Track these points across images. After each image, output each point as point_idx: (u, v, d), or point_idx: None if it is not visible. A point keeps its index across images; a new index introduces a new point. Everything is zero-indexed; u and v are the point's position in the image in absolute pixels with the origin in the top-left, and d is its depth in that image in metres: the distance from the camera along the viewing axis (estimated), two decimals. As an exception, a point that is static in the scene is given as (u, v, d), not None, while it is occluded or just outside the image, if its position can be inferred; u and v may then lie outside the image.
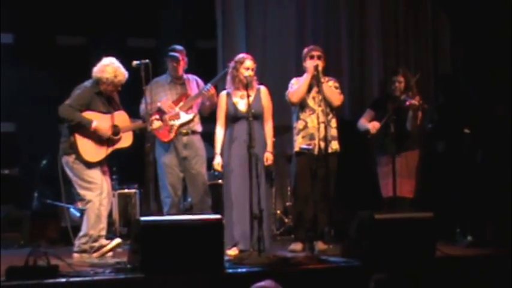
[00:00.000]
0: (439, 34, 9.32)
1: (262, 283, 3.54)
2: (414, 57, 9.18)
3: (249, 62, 6.43)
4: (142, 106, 6.67)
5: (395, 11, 9.19)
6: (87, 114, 6.22)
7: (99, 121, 6.23)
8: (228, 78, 6.54)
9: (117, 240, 6.30)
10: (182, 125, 6.79)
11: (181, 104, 6.83)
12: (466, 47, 9.12)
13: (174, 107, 6.80)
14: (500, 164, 7.43)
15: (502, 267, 5.84)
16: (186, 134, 6.79)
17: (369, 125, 7.04)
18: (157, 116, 6.45)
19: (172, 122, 6.79)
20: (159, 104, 6.82)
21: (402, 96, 6.95)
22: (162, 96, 6.88)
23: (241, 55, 6.60)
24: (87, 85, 6.32)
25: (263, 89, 6.55)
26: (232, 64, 6.49)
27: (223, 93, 6.54)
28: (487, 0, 8.59)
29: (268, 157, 6.44)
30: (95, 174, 6.26)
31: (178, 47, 7.00)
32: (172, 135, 6.80)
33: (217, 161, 6.41)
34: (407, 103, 6.85)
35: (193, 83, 6.97)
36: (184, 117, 6.81)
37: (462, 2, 8.97)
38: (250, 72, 6.37)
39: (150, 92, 6.76)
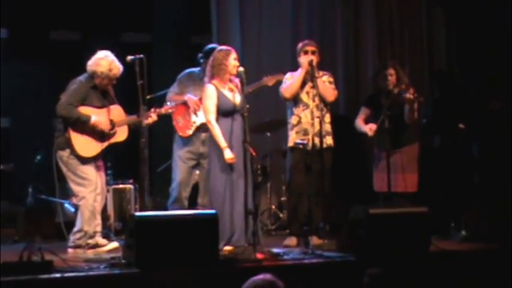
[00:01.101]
0: (434, 28, 9.32)
1: (260, 276, 3.53)
2: (409, 52, 9.17)
3: (235, 54, 6.29)
4: (170, 94, 7.01)
5: (390, 5, 9.18)
6: (83, 110, 6.20)
7: (97, 115, 6.22)
8: (214, 70, 6.26)
9: (115, 244, 6.24)
10: (203, 124, 6.81)
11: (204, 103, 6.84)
12: (461, 42, 9.13)
13: (200, 104, 6.86)
14: (495, 159, 7.44)
15: (496, 262, 5.86)
16: (206, 131, 6.80)
17: (366, 128, 7.00)
18: (152, 110, 6.45)
19: (193, 119, 6.90)
20: (185, 98, 6.94)
21: (396, 90, 6.94)
22: (191, 90, 6.98)
23: (224, 47, 6.39)
24: (82, 80, 6.30)
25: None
26: (218, 56, 6.26)
27: (211, 86, 6.25)
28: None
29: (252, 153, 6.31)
30: (89, 171, 6.24)
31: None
32: (190, 132, 6.95)
33: (230, 155, 6.07)
34: (403, 97, 6.82)
35: None
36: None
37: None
38: (237, 63, 6.22)
39: (181, 83, 7.04)
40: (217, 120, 6.21)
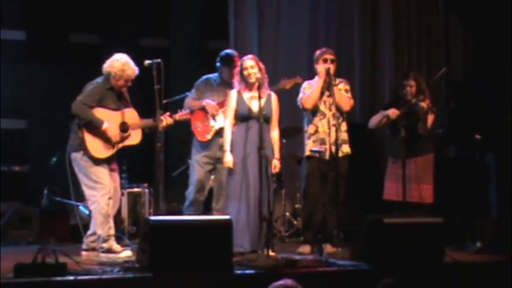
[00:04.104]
0: (451, 38, 9.30)
1: (281, 282, 3.50)
2: (426, 61, 9.15)
3: (247, 62, 6.37)
4: (188, 99, 7.06)
5: (407, 15, 9.17)
6: (98, 112, 6.23)
7: (110, 123, 6.24)
8: (236, 82, 6.50)
9: (128, 253, 6.21)
10: (221, 129, 6.85)
11: (225, 107, 6.90)
12: (478, 52, 9.09)
13: (218, 109, 6.94)
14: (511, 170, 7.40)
15: (511, 274, 5.81)
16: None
17: (389, 111, 6.94)
18: (168, 114, 6.50)
19: (212, 124, 6.94)
20: (204, 103, 6.98)
21: (413, 100, 6.90)
22: (209, 96, 7.02)
23: (243, 58, 6.53)
24: (99, 81, 6.34)
25: (274, 95, 6.49)
26: (238, 65, 6.48)
27: (234, 91, 6.46)
28: (500, 4, 8.56)
29: (276, 164, 6.33)
30: (102, 174, 6.24)
31: (234, 53, 7.11)
32: (208, 136, 6.99)
33: (229, 159, 6.30)
34: (418, 107, 6.81)
35: None
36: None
37: (474, 6, 8.95)
38: (252, 71, 6.30)
39: (198, 89, 7.08)
40: (235, 125, 6.37)
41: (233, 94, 6.44)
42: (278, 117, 6.51)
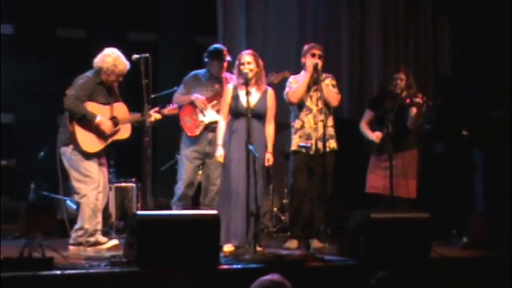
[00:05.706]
0: (439, 34, 9.33)
1: (268, 277, 3.50)
2: (414, 58, 9.19)
3: (245, 57, 6.38)
4: (177, 95, 7.05)
5: (395, 11, 9.20)
6: (88, 106, 6.23)
7: (103, 115, 6.24)
8: (234, 75, 6.54)
9: (115, 242, 6.26)
10: (210, 124, 6.88)
11: (214, 102, 6.95)
12: (465, 49, 9.13)
13: (207, 103, 6.95)
14: (498, 166, 7.43)
15: (497, 269, 5.84)
16: (212, 130, 6.83)
17: (373, 136, 6.99)
18: (156, 109, 6.50)
19: (201, 119, 6.93)
20: (192, 98, 6.97)
21: (404, 94, 6.91)
22: (197, 91, 7.02)
23: (242, 52, 6.55)
24: (89, 75, 6.33)
25: (270, 90, 6.47)
26: (236, 62, 6.47)
27: (230, 85, 6.48)
28: (488, 1, 8.60)
29: (269, 158, 6.37)
30: (92, 168, 6.25)
31: (223, 48, 7.13)
32: (198, 131, 6.99)
33: (220, 153, 6.33)
34: (411, 100, 6.82)
35: None
36: (214, 116, 6.88)
37: (462, 3, 8.98)
38: (248, 67, 6.32)
39: (187, 84, 7.07)
40: (229, 120, 6.38)
41: (228, 88, 6.45)
42: (274, 111, 6.50)
